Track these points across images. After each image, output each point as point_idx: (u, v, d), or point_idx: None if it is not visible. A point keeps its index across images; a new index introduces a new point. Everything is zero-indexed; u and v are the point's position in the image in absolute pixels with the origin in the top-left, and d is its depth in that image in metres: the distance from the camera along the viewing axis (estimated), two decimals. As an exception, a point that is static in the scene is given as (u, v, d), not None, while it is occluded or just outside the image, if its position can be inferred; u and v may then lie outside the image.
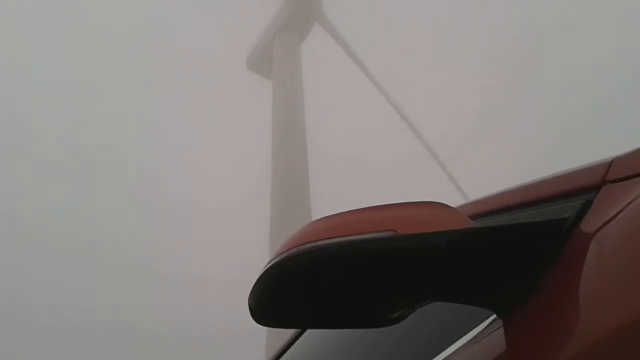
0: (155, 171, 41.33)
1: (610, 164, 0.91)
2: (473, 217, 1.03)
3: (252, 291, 0.88)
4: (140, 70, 42.91)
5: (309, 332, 1.65)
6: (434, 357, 1.06)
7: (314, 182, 24.37)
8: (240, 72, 30.19)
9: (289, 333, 1.76)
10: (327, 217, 0.91)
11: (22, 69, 40.77)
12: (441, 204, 0.88)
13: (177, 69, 43.12)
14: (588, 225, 0.84)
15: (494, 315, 0.93)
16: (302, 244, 0.86)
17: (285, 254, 0.86)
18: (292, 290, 0.87)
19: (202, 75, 42.76)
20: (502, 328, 0.88)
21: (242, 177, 37.66)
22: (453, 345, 1.02)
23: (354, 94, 36.76)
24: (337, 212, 0.92)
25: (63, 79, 41.57)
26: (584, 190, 0.91)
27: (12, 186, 38.82)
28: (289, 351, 1.71)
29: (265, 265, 0.88)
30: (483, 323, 0.97)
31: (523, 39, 38.92)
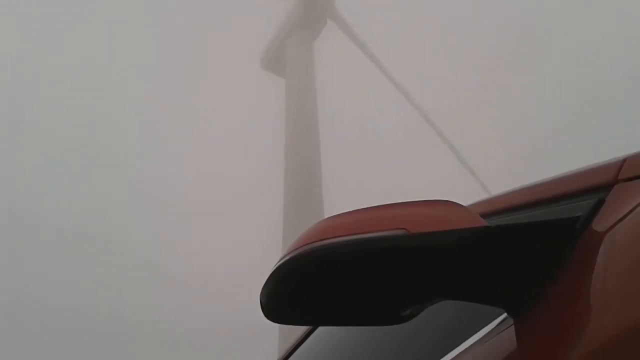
0: (162, 169, 41.37)
1: (623, 162, 0.90)
2: (484, 215, 1.03)
3: (263, 288, 0.89)
4: (151, 67, 42.93)
5: (321, 330, 1.66)
6: (444, 355, 1.06)
7: (326, 161, 24.43)
8: (253, 71, 30.25)
9: (300, 330, 1.76)
10: (338, 215, 0.92)
11: (24, 59, 40.72)
12: (453, 202, 0.88)
13: (191, 67, 43.21)
14: (600, 224, 0.83)
15: (505, 314, 0.93)
16: (314, 242, 0.86)
17: (296, 252, 0.87)
18: (304, 287, 0.88)
19: (214, 73, 42.83)
20: (513, 327, 0.88)
21: (247, 173, 37.69)
22: (463, 344, 1.02)
23: (366, 72, 36.62)
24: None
25: (69, 73, 41.50)
26: (596, 189, 0.90)
27: (15, 180, 38.88)
28: (300, 348, 1.72)
29: (277, 263, 0.89)
30: (494, 321, 0.97)
31: (520, 24, 38.78)
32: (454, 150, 30.58)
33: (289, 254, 0.88)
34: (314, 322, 0.96)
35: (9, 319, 33.45)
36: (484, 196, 1.17)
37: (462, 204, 0.91)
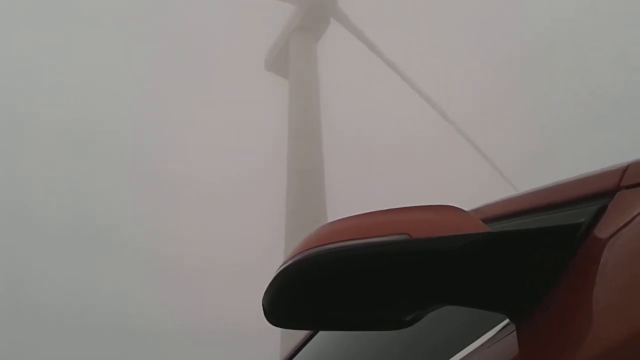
0: (163, 165, 41.28)
1: (626, 169, 0.90)
2: (487, 221, 1.02)
3: (266, 292, 0.89)
4: (153, 63, 42.80)
5: (322, 334, 1.66)
6: None
7: (328, 163, 24.47)
8: (257, 72, 30.30)
9: (302, 333, 1.76)
10: (340, 219, 0.92)
11: (17, 47, 40.46)
12: (455, 207, 0.88)
13: (194, 69, 43.27)
14: (602, 230, 0.83)
15: (507, 320, 0.93)
16: (316, 247, 0.86)
17: (299, 256, 0.87)
18: (306, 292, 0.88)
19: (218, 73, 42.82)
20: (514, 333, 0.88)
21: (250, 165, 37.62)
22: (465, 349, 1.02)
23: (370, 79, 36.56)
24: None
25: (71, 66, 41.28)
26: (598, 195, 0.90)
27: (13, 173, 38.66)
28: (301, 352, 1.71)
29: (279, 267, 0.89)
30: (496, 327, 0.97)
31: (541, 35, 38.75)
32: (480, 152, 29.51)
33: (291, 258, 0.88)
34: (316, 326, 0.96)
35: (11, 314, 33.36)
36: (491, 199, 1.17)
37: (464, 209, 0.91)
